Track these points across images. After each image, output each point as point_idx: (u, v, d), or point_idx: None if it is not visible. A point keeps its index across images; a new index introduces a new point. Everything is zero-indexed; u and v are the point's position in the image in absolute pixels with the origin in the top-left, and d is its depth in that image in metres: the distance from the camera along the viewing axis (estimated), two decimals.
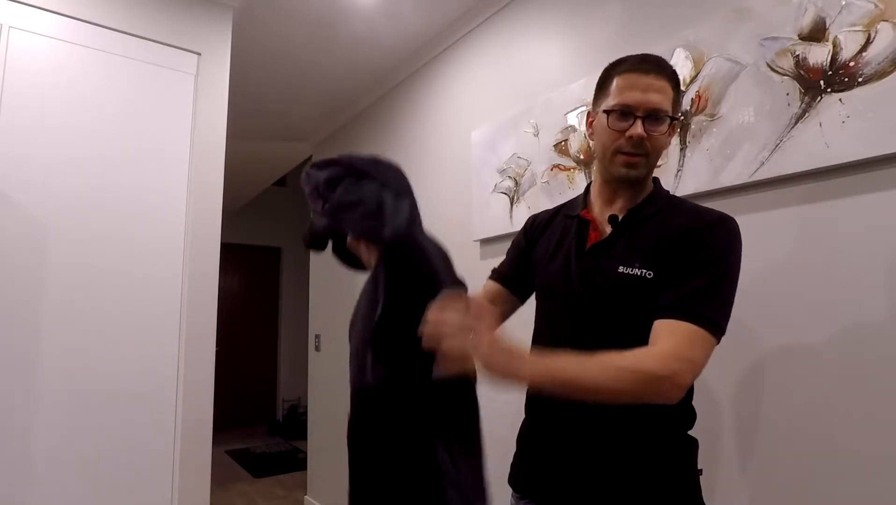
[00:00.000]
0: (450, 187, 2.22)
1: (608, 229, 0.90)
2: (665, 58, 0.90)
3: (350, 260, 0.86)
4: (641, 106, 0.83)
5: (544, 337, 0.96)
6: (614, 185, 0.92)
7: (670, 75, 0.86)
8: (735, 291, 0.81)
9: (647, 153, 0.86)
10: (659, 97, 0.84)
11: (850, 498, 1.00)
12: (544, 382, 0.75)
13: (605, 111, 0.87)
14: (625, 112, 0.84)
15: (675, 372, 0.72)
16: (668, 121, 0.85)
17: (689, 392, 0.87)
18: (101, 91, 1.73)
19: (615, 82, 0.87)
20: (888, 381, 0.97)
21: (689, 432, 0.88)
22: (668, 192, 0.94)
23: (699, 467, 0.87)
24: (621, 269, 0.84)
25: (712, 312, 0.77)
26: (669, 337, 0.76)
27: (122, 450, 1.66)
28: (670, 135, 0.89)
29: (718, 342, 0.78)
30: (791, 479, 1.09)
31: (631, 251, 0.85)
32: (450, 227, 2.14)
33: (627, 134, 0.84)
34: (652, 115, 0.84)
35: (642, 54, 0.88)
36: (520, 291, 1.06)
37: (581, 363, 0.74)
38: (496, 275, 1.10)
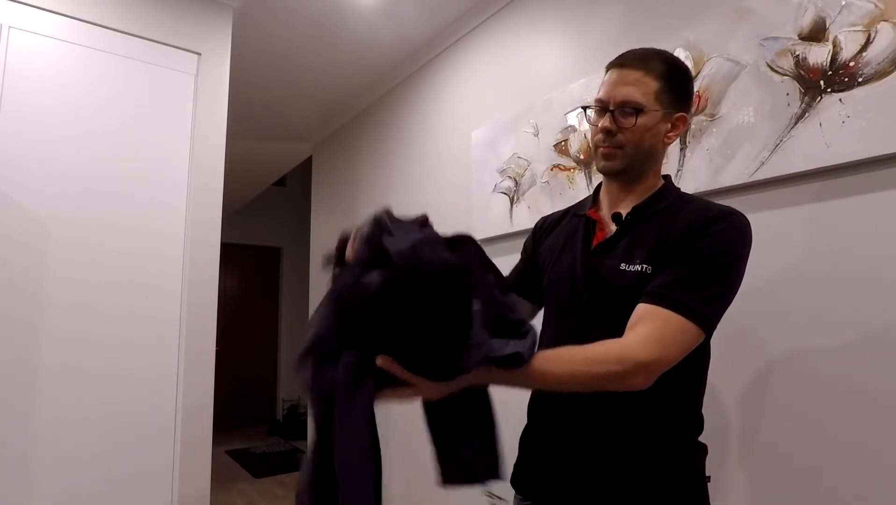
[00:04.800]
0: (450, 187, 2.22)
1: (614, 228, 0.89)
2: None
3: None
4: (611, 99, 0.84)
5: (551, 338, 0.94)
6: (610, 182, 0.92)
7: (653, 67, 0.84)
8: (733, 286, 0.78)
9: (620, 146, 0.85)
10: (629, 90, 0.82)
11: (860, 499, 1.00)
12: (503, 382, 0.70)
13: (582, 107, 0.89)
14: (602, 107, 0.85)
15: (643, 362, 0.70)
16: (636, 113, 0.82)
17: (697, 397, 0.85)
18: (100, 91, 1.73)
19: (603, 79, 0.88)
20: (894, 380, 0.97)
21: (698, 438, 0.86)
22: (679, 189, 0.92)
23: (707, 474, 0.84)
24: (623, 265, 0.82)
25: (697, 302, 0.73)
26: (645, 324, 0.73)
27: (121, 449, 1.66)
28: (649, 129, 0.84)
29: (706, 335, 0.75)
30: (799, 483, 1.09)
31: (633, 248, 0.83)
32: (450, 228, 2.13)
33: (599, 126, 0.86)
34: (620, 108, 0.83)
35: (633, 49, 0.88)
36: (531, 297, 1.02)
37: (547, 357, 0.71)
38: None
